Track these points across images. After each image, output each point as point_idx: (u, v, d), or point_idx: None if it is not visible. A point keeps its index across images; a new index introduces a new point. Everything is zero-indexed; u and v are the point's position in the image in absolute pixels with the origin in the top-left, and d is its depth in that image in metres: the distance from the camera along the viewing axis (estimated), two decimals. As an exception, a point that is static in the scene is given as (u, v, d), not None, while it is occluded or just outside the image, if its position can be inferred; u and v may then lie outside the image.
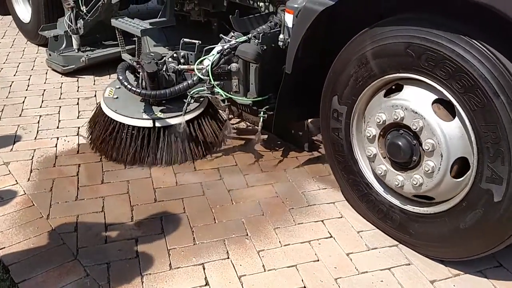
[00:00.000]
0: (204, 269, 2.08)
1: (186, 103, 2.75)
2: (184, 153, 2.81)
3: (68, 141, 3.08)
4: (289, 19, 2.38)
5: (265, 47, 2.56)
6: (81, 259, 2.11)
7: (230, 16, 2.91)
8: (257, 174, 2.77)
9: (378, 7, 2.07)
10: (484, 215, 1.82)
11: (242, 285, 2.00)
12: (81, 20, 3.95)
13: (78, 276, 2.02)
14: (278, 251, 2.19)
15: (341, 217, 2.41)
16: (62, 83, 3.93)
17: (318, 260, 2.14)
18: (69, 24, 3.95)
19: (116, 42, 4.04)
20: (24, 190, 2.57)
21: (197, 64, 2.69)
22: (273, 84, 2.65)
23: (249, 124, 3.28)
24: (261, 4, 3.04)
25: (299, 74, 2.35)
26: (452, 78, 1.77)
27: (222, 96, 2.68)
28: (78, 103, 3.60)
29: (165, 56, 2.90)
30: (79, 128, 3.23)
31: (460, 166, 1.89)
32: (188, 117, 2.79)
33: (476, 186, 1.82)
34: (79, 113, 3.46)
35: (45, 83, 3.96)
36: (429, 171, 1.93)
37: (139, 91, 2.72)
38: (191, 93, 2.75)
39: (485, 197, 1.80)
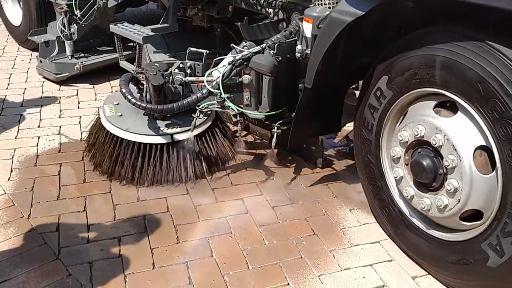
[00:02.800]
0: (188, 267, 2.08)
1: (195, 118, 2.58)
2: (194, 169, 2.63)
3: (50, 140, 3.04)
4: (307, 28, 2.24)
5: (280, 58, 2.39)
6: (63, 258, 2.08)
7: (239, 23, 2.79)
8: (243, 173, 2.78)
9: (408, 19, 1.96)
10: (471, 267, 1.82)
11: (226, 283, 2.00)
12: (74, 25, 3.76)
13: (60, 276, 1.99)
14: (262, 249, 2.20)
15: (324, 215, 2.43)
16: (43, 82, 3.87)
17: (301, 257, 2.15)
18: (62, 29, 3.74)
19: (111, 48, 3.91)
20: (4, 190, 2.53)
21: (207, 76, 2.55)
22: (287, 97, 2.54)
23: (257, 137, 3.11)
24: (270, 10, 2.87)
25: (318, 87, 2.19)
26: (510, 143, 1.60)
27: (234, 110, 2.51)
28: (59, 102, 3.55)
29: (170, 66, 2.75)
30: (60, 127, 3.19)
31: (473, 213, 1.83)
32: (196, 131, 2.63)
33: (477, 242, 1.78)
34: (60, 112, 3.41)
35: (26, 81, 3.90)
36: (440, 206, 1.86)
37: (144, 105, 2.54)
38: (200, 107, 2.58)
39: (480, 257, 1.77)
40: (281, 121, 2.54)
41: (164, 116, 2.68)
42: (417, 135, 1.90)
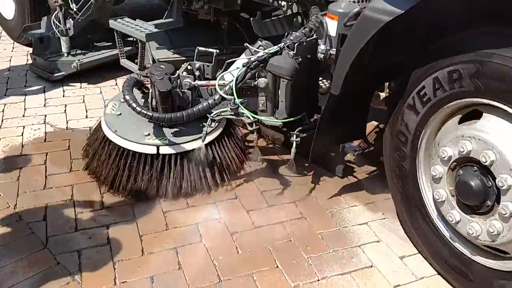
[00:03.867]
0: (177, 253, 2.08)
1: (206, 127, 2.35)
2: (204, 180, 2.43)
3: (35, 130, 3.00)
4: (332, 26, 2.05)
5: (300, 59, 2.17)
6: (51, 248, 2.07)
7: (251, 18, 2.58)
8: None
9: (449, 19, 1.75)
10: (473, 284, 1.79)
11: (215, 267, 2.01)
12: (70, 19, 3.49)
13: (48, 265, 1.98)
14: (251, 233, 2.20)
15: (313, 198, 2.44)
16: (27, 70, 3.80)
17: (290, 240, 2.16)
18: (57, 24, 3.47)
19: (110, 43, 3.69)
20: (-11, 181, 2.51)
21: (219, 80, 2.32)
22: (307, 101, 2.35)
23: (269, 141, 2.87)
24: (284, 3, 2.62)
25: (345, 93, 1.98)
26: None
27: (250, 118, 2.28)
28: (44, 91, 3.50)
29: (176, 65, 2.52)
30: (45, 116, 3.15)
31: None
32: (207, 139, 2.40)
33: (496, 277, 1.70)
34: (45, 101, 3.37)
35: (9, 70, 3.83)
36: (472, 234, 1.72)
37: (150, 114, 2.29)
38: (211, 115, 2.34)
39: (490, 282, 1.71)
40: (300, 128, 2.33)
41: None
42: (485, 161, 1.62)
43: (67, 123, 3.09)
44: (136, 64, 3.36)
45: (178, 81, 2.44)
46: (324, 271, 2.00)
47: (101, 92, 3.51)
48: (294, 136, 2.33)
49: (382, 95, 2.24)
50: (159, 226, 2.23)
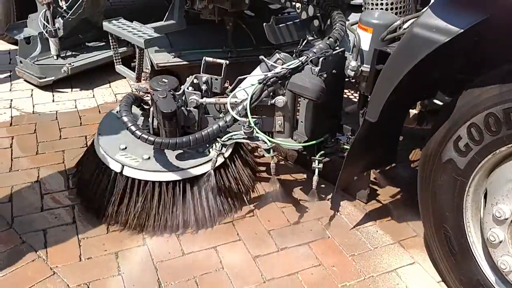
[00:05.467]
0: (142, 231, 2.13)
1: (215, 154, 2.10)
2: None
3: (0, 114, 2.99)
4: (365, 39, 1.83)
5: (325, 76, 1.90)
6: (16, 227, 2.10)
7: (264, 24, 2.30)
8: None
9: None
10: None
11: (180, 242, 2.07)
12: (60, 19, 3.23)
13: (14, 243, 2.01)
14: (214, 210, 2.27)
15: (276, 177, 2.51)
16: (-9, 56, 3.77)
17: (253, 216, 2.24)
18: (44, 24, 3.19)
19: (103, 43, 3.48)
20: (-46, 164, 2.51)
21: (231, 98, 2.05)
22: (329, 121, 2.13)
23: (280, 157, 2.64)
24: (298, 4, 2.32)
25: (380, 118, 1.71)
26: None
27: (266, 143, 2.02)
28: (10, 76, 3.47)
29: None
30: (11, 100, 3.14)
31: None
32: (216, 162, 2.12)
33: None
34: (11, 85, 3.35)
35: (-26, 56, 3.79)
36: None
37: (152, 139, 1.99)
38: (222, 138, 2.09)
39: None
40: (322, 152, 2.10)
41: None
42: None
43: (33, 107, 3.09)
44: (132, 69, 3.04)
45: (183, 97, 2.17)
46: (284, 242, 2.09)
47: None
48: (316, 162, 2.09)
49: (413, 112, 2.00)
50: (125, 205, 2.28)
